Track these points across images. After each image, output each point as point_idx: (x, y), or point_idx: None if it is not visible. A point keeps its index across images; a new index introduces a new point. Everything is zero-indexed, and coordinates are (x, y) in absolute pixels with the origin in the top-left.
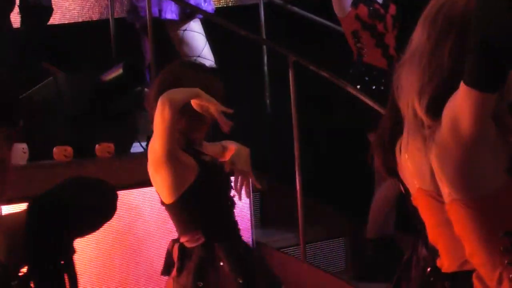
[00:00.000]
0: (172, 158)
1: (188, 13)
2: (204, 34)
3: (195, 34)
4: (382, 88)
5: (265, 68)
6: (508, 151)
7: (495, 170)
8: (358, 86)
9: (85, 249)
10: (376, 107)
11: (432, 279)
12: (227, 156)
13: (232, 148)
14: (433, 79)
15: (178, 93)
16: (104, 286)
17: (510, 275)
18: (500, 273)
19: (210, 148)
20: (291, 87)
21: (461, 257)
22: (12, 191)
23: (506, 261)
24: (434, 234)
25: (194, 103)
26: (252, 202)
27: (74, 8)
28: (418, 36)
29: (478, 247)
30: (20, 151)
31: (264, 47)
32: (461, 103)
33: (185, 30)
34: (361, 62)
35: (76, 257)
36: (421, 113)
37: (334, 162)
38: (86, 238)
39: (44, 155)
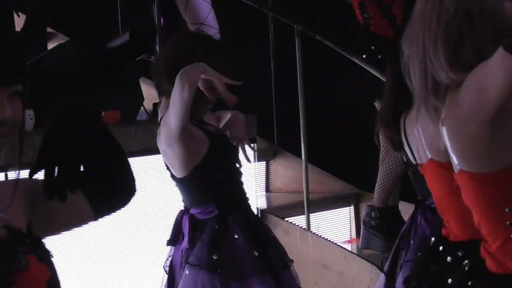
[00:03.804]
0: (185, 134)
1: None
2: (209, 2)
3: (200, 1)
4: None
5: (271, 37)
6: None
7: (508, 147)
8: (364, 56)
9: None
10: (381, 77)
11: (441, 248)
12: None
13: (226, 117)
14: (443, 37)
15: (194, 72)
16: (108, 251)
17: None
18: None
19: (208, 119)
20: (297, 57)
21: (474, 226)
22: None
23: (511, 235)
24: (443, 203)
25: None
26: (256, 170)
27: None
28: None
29: (484, 219)
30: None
31: (270, 15)
32: (494, 69)
33: None
34: (368, 32)
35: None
36: (440, 68)
37: (340, 131)
38: None
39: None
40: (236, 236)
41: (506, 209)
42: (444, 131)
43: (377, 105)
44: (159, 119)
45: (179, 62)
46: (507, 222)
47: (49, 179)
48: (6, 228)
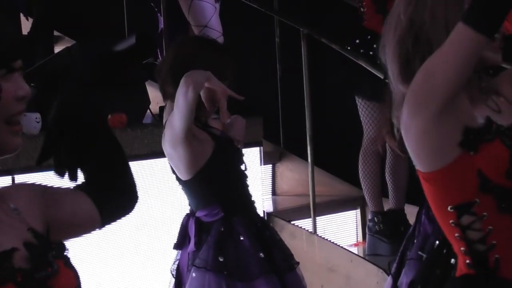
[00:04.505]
0: (190, 136)
1: None
2: (214, 4)
3: (204, 3)
4: (371, 53)
5: (277, 40)
6: (463, 124)
7: (450, 143)
8: (348, 48)
9: None
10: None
11: (445, 250)
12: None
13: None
14: (396, 49)
15: (200, 76)
16: (114, 255)
17: (461, 248)
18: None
19: (212, 122)
20: (303, 60)
21: None
22: (26, 161)
23: (456, 234)
24: None
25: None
26: (262, 173)
27: None
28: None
29: (437, 219)
30: (33, 121)
31: (276, 19)
32: (451, 43)
33: None
34: (362, 26)
35: None
36: (394, 80)
37: (346, 134)
38: None
39: None
40: (241, 238)
41: (449, 208)
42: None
43: (358, 100)
44: (164, 122)
45: (182, 66)
46: (451, 221)
47: (58, 159)
48: (31, 231)
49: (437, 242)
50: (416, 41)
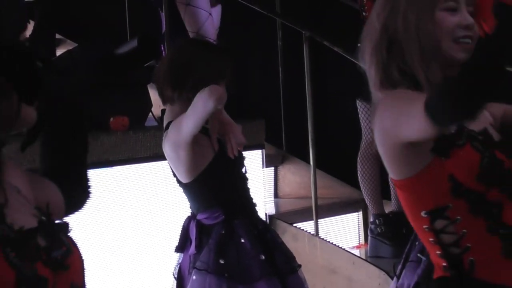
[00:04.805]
0: (193, 140)
1: None
2: (208, 10)
3: (196, 9)
4: None
5: (279, 43)
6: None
7: (422, 149)
8: None
9: (98, 222)
10: None
11: None
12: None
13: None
14: (373, 57)
15: (224, 94)
16: (116, 259)
17: (437, 252)
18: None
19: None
20: (305, 62)
21: None
22: (28, 164)
23: (430, 239)
24: None
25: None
26: (264, 176)
27: None
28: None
29: (412, 224)
30: None
31: (279, 22)
32: (412, 118)
33: (188, 4)
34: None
35: (88, 231)
36: (372, 86)
37: (348, 136)
38: (100, 209)
39: None
40: (242, 240)
41: (422, 214)
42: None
43: (359, 103)
44: (164, 125)
45: (181, 69)
46: (424, 226)
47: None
48: (38, 210)
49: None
50: (390, 48)
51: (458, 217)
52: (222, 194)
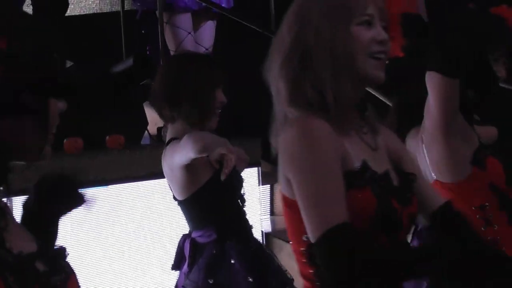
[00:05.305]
0: (189, 163)
1: (168, 4)
2: (188, 29)
3: (175, 29)
4: None
5: None
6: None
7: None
8: None
9: (95, 239)
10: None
11: None
12: None
13: None
14: (283, 72)
15: (215, 144)
16: (114, 277)
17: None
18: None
19: None
20: None
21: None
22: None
23: (303, 260)
24: None
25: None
26: (261, 194)
27: None
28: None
29: (293, 246)
30: None
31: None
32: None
33: (167, 23)
34: None
35: (85, 248)
36: (280, 100)
37: None
38: (97, 228)
39: (55, 147)
40: (233, 261)
41: (303, 238)
42: (422, 147)
43: None
44: (166, 140)
45: (171, 87)
46: (302, 249)
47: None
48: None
49: None
50: (302, 63)
51: None
52: (216, 213)
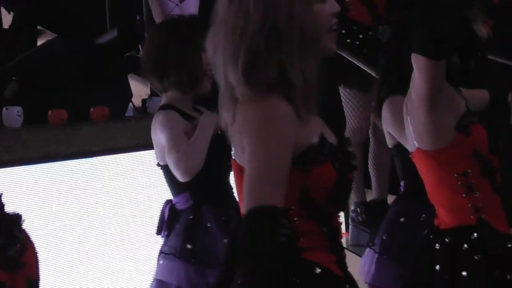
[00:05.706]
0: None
1: None
2: (176, 2)
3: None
4: (357, 43)
5: None
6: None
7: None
8: None
9: (80, 210)
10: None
11: (431, 236)
12: None
13: None
14: (245, 50)
15: (194, 154)
16: (101, 248)
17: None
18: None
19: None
20: None
21: (461, 212)
22: (8, 154)
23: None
24: (434, 193)
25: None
26: None
27: None
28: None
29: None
30: (15, 114)
31: None
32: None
33: None
34: (346, 16)
35: (71, 220)
36: (234, 79)
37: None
38: (82, 200)
39: (39, 119)
40: (208, 225)
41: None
42: (408, 113)
43: (342, 91)
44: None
45: (156, 58)
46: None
47: None
48: None
49: (426, 230)
50: (269, 44)
51: (296, 219)
52: (193, 178)
